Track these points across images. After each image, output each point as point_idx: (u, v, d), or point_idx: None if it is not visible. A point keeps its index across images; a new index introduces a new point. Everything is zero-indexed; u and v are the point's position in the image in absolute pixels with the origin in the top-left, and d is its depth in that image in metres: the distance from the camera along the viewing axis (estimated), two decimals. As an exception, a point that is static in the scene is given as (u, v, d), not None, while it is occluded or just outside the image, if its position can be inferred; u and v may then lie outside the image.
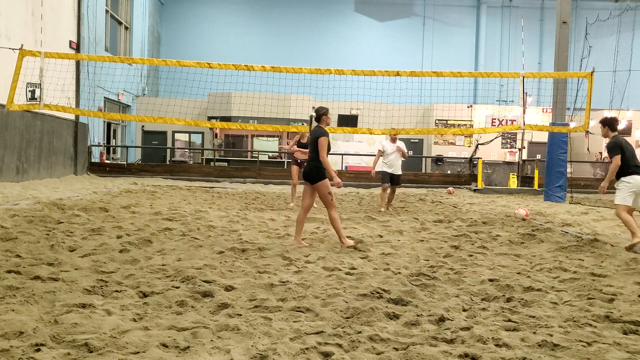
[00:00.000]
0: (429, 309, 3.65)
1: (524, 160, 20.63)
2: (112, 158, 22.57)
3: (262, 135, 23.88)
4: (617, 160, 6.44)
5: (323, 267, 4.93)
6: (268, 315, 3.40)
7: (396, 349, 2.91)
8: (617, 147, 6.50)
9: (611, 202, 14.62)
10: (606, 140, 6.78)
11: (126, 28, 24.00)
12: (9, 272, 4.15)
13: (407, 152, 10.97)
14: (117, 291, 3.81)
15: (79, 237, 5.92)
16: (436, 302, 3.85)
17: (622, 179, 6.48)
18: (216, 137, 23.85)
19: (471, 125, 23.08)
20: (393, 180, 10.50)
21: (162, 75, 26.18)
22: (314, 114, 6.10)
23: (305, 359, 2.75)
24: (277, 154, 23.11)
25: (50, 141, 15.59)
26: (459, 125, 23.51)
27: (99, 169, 18.99)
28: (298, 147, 10.38)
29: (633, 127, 23.39)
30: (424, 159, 23.56)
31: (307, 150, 6.47)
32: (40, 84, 9.09)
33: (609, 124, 6.81)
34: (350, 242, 6.00)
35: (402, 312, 3.57)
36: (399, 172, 10.56)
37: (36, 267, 4.32)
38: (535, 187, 18.11)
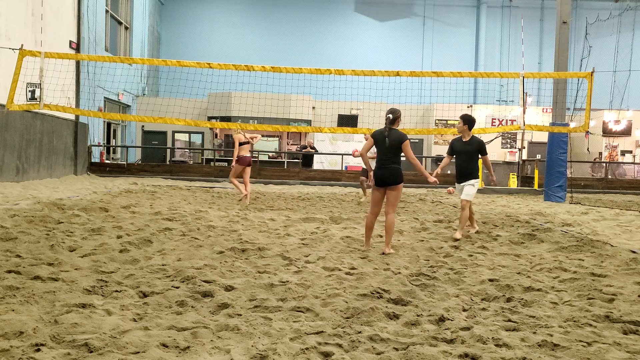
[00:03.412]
0: (429, 309, 3.65)
1: (524, 160, 20.64)
2: (112, 158, 22.57)
3: (262, 135, 23.87)
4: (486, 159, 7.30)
5: (323, 267, 4.93)
6: (268, 315, 3.40)
7: (396, 349, 2.91)
8: (485, 145, 7.22)
9: (611, 201, 14.64)
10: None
11: (126, 28, 24.00)
12: (9, 272, 4.15)
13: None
14: (117, 291, 3.81)
15: (79, 237, 5.92)
16: (436, 302, 3.85)
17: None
18: (216, 137, 23.85)
19: (471, 125, 23.06)
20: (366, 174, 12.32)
21: (162, 75, 26.19)
22: (390, 115, 5.91)
23: (305, 359, 2.75)
24: (277, 154, 23.12)
25: (50, 141, 15.59)
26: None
27: (99, 169, 18.99)
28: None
29: (633, 127, 23.40)
30: (424, 159, 23.56)
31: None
32: (40, 84, 9.09)
33: (469, 122, 7.07)
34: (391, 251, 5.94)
35: (402, 312, 3.57)
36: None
37: (36, 267, 4.32)
38: (535, 187, 18.12)
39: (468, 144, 7.05)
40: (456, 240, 6.60)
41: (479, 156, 7.20)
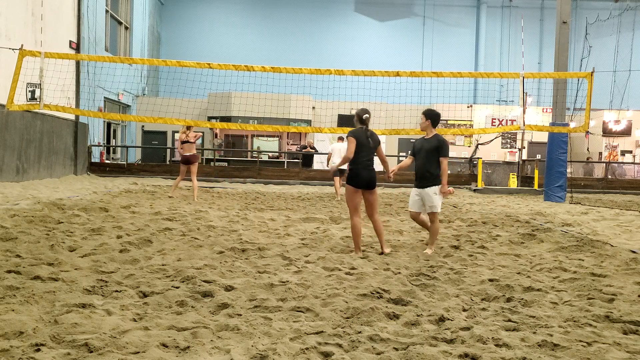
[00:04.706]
0: (429, 309, 3.65)
1: (524, 160, 20.63)
2: (112, 158, 22.57)
3: (262, 135, 23.88)
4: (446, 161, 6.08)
5: (323, 267, 4.93)
6: (268, 315, 3.40)
7: (396, 349, 2.91)
8: (448, 146, 6.25)
9: (611, 201, 14.64)
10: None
11: (126, 28, 24.00)
12: (9, 272, 4.15)
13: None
14: (117, 291, 3.81)
15: (79, 237, 5.92)
16: (436, 302, 3.85)
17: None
18: (216, 137, 23.85)
19: (471, 125, 23.09)
20: (343, 173, 13.08)
21: (162, 75, 26.18)
22: (367, 115, 5.80)
23: (305, 359, 2.75)
24: (277, 153, 23.12)
25: (50, 141, 15.59)
26: (459, 125, 23.52)
27: (99, 169, 19.00)
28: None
29: (633, 127, 23.40)
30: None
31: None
32: (40, 84, 9.09)
33: (432, 117, 6.15)
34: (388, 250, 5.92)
35: (402, 312, 3.57)
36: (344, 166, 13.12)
37: (36, 267, 4.32)
38: (535, 187, 18.12)
39: (427, 141, 6.11)
40: (427, 256, 5.74)
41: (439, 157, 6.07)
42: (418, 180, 6.13)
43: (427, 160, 6.02)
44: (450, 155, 24.64)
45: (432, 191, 5.97)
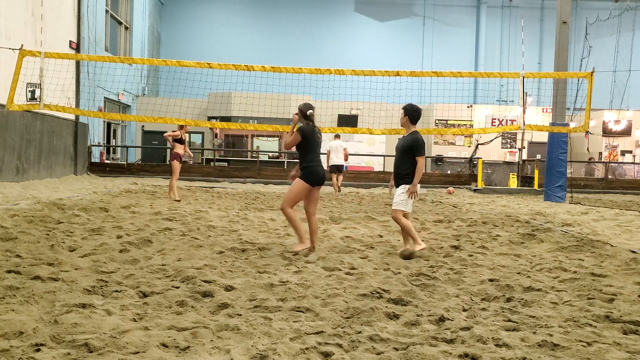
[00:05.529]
0: (429, 309, 3.65)
1: (524, 160, 20.64)
2: (112, 158, 22.57)
3: (262, 135, 23.87)
4: (423, 160, 5.74)
5: (323, 267, 4.93)
6: (268, 315, 3.40)
7: (396, 349, 2.91)
8: (424, 145, 5.83)
9: (611, 201, 14.64)
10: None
11: (126, 28, 24.00)
12: (9, 272, 4.15)
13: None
14: (117, 291, 3.81)
15: (79, 237, 5.92)
16: (436, 302, 3.85)
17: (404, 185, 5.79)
18: (216, 137, 23.84)
19: (471, 125, 23.08)
20: (340, 171, 14.99)
21: (162, 75, 26.17)
22: (312, 110, 5.68)
23: (305, 359, 2.75)
24: (277, 153, 23.11)
25: (50, 141, 15.59)
26: (459, 125, 23.51)
27: (99, 169, 19.00)
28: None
29: (633, 127, 23.40)
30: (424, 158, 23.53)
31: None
32: (40, 84, 9.09)
33: (410, 113, 5.84)
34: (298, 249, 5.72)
35: (402, 312, 3.57)
36: (342, 162, 14.96)
37: (36, 267, 4.32)
38: (535, 187, 18.12)
39: (404, 139, 5.85)
40: (412, 253, 5.57)
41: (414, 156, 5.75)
42: (394, 177, 5.94)
43: (400, 159, 5.81)
44: (450, 155, 24.60)
45: (400, 190, 5.78)
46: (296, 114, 5.76)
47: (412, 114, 5.83)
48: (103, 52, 20.39)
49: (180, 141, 11.13)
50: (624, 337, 3.20)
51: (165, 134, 11.33)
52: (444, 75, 9.71)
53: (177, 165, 11.17)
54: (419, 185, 5.77)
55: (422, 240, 5.98)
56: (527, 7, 28.45)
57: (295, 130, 5.69)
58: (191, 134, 24.95)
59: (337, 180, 14.83)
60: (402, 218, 5.76)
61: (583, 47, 15.50)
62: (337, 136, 15.19)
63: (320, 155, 5.88)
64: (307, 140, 5.65)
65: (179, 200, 10.84)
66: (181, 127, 11.07)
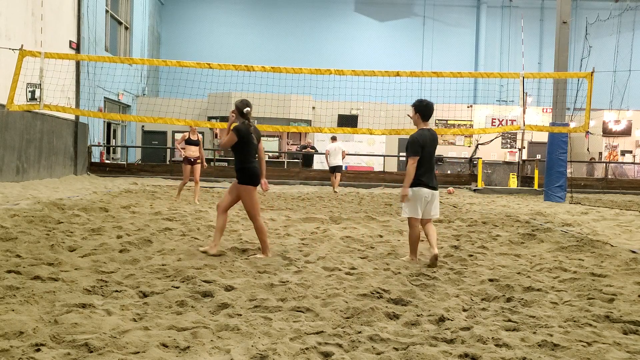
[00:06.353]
0: (429, 309, 3.65)
1: (524, 160, 20.64)
2: (112, 158, 22.57)
3: (262, 135, 23.87)
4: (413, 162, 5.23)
5: (323, 267, 4.93)
6: (268, 315, 3.40)
7: (396, 349, 2.91)
8: (418, 144, 5.23)
9: (611, 201, 14.64)
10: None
11: (126, 28, 24.00)
12: (9, 272, 4.15)
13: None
14: (117, 291, 3.81)
15: (79, 237, 5.92)
16: (436, 302, 3.85)
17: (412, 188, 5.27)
18: (216, 137, 23.84)
19: (471, 126, 23.09)
20: (339, 170, 15.46)
21: (162, 76, 26.17)
22: (249, 108, 5.34)
23: (305, 359, 2.75)
24: (277, 153, 23.12)
25: (50, 141, 15.59)
26: (459, 125, 23.51)
27: (99, 169, 18.99)
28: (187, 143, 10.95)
29: (633, 127, 23.40)
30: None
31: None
32: (40, 84, 9.09)
33: (419, 110, 5.38)
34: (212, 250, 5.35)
35: (402, 312, 3.57)
36: (340, 163, 15.44)
37: (36, 267, 4.32)
38: (535, 187, 18.12)
39: None
40: (434, 258, 5.12)
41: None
42: None
43: (405, 160, 5.51)
44: (450, 155, 24.60)
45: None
46: (233, 111, 5.39)
47: (422, 109, 5.35)
48: (103, 52, 20.38)
49: (195, 143, 10.79)
50: (624, 337, 3.20)
51: (175, 144, 11.07)
52: (444, 76, 9.72)
53: (185, 169, 10.89)
54: (409, 190, 5.25)
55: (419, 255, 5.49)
56: (527, 7, 28.46)
57: (231, 129, 5.34)
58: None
59: (336, 179, 15.37)
60: (414, 226, 5.30)
61: (583, 47, 15.49)
62: (333, 138, 15.53)
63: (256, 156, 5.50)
64: (243, 141, 5.30)
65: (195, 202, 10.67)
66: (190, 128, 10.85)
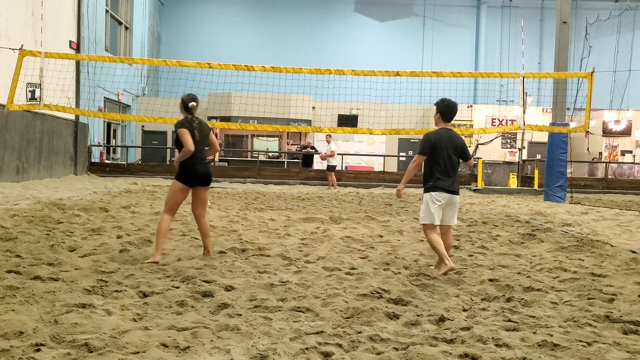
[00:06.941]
0: (429, 309, 3.65)
1: (524, 160, 20.63)
2: (112, 158, 22.56)
3: (262, 135, 23.87)
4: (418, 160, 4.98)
5: (323, 267, 4.93)
6: (268, 315, 3.40)
7: (396, 349, 2.91)
8: (428, 144, 4.93)
9: (611, 201, 14.64)
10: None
11: (126, 28, 24.00)
12: (9, 272, 4.15)
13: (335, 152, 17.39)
14: (117, 291, 3.81)
15: (79, 237, 5.92)
16: (436, 302, 3.85)
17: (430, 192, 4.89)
18: (216, 137, 23.84)
19: (471, 125, 23.08)
20: (333, 168, 17.03)
21: (162, 75, 26.15)
22: (194, 102, 5.13)
23: (305, 359, 2.75)
24: (277, 153, 23.11)
25: (50, 141, 15.59)
26: (459, 125, 23.49)
27: (99, 169, 18.99)
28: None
29: (633, 127, 23.40)
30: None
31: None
32: (40, 84, 9.09)
33: (440, 110, 5.13)
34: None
35: (402, 312, 3.57)
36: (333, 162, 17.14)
37: (36, 267, 4.32)
38: (535, 187, 18.11)
39: None
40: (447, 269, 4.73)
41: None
42: None
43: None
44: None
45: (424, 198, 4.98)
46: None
47: (443, 109, 5.06)
48: (103, 52, 20.38)
49: None
50: (624, 337, 3.20)
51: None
52: (444, 75, 9.72)
53: None
54: (427, 195, 4.91)
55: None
56: (527, 7, 28.45)
57: (176, 127, 5.10)
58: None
59: (332, 178, 16.54)
60: (428, 233, 4.87)
61: (583, 47, 15.49)
62: (328, 136, 16.70)
63: (204, 151, 5.25)
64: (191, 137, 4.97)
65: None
66: None
